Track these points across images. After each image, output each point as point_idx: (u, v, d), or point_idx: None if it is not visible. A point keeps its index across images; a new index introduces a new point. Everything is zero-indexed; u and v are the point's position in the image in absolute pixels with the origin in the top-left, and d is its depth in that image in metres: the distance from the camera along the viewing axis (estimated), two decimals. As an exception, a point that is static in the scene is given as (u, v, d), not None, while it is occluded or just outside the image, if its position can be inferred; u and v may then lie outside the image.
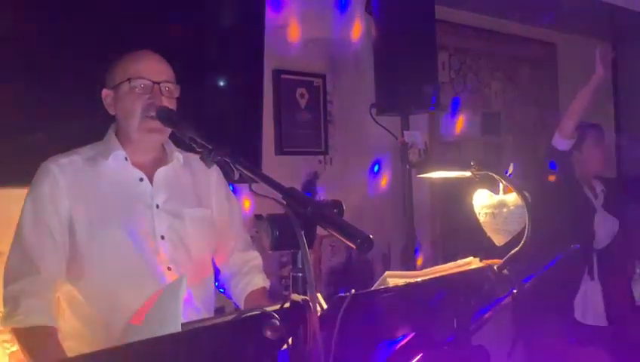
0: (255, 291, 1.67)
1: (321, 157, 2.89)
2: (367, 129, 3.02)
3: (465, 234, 2.55)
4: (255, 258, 1.73)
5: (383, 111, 2.96)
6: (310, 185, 2.86)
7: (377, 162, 3.11)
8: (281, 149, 2.74)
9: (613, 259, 2.68)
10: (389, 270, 3.33)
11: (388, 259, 3.12)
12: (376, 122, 2.99)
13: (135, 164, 1.55)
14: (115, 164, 1.53)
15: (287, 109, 2.76)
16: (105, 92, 1.56)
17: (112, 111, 1.57)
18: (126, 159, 1.54)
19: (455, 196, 2.61)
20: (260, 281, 1.70)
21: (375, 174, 3.12)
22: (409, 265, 3.06)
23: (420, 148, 2.89)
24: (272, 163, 2.66)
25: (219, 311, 1.82)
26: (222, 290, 1.76)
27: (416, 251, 2.96)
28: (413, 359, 1.29)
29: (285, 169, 2.75)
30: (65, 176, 1.48)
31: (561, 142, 2.55)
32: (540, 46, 3.85)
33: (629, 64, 4.30)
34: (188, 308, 1.47)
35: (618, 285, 2.77)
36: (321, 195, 2.90)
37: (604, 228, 2.62)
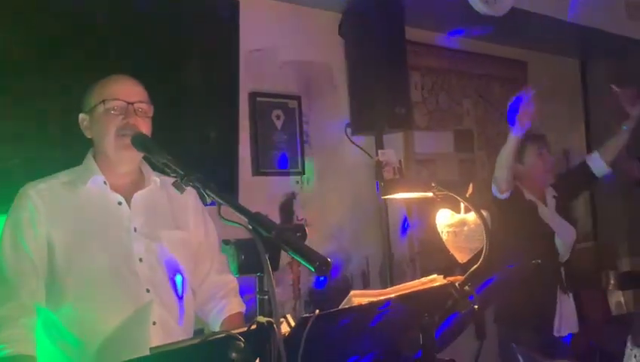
0: (231, 316, 1.70)
1: (298, 178, 2.93)
2: (342, 148, 3.08)
3: (441, 250, 2.59)
4: (231, 281, 1.75)
5: (357, 131, 3.02)
6: (288, 205, 2.89)
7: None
8: (257, 170, 2.78)
9: (581, 269, 2.72)
10: (368, 287, 3.35)
11: (367, 277, 3.15)
12: (352, 141, 3.06)
13: (113, 188, 1.58)
14: (94, 189, 1.56)
15: (264, 131, 2.80)
16: (81, 116, 1.59)
17: (88, 135, 1.60)
18: (105, 183, 1.57)
19: (430, 214, 2.67)
20: (235, 306, 1.72)
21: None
22: (387, 281, 3.09)
23: (395, 167, 2.95)
24: (249, 184, 2.70)
25: (198, 332, 1.83)
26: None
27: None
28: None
29: (263, 190, 2.79)
30: (43, 201, 1.51)
31: (500, 195, 2.52)
32: (510, 64, 3.95)
33: (598, 81, 4.43)
34: (166, 329, 1.49)
35: (589, 295, 2.82)
36: (299, 215, 2.93)
37: (564, 241, 2.65)
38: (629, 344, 1.85)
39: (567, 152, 4.23)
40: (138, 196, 1.59)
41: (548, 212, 2.70)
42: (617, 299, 3.80)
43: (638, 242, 3.39)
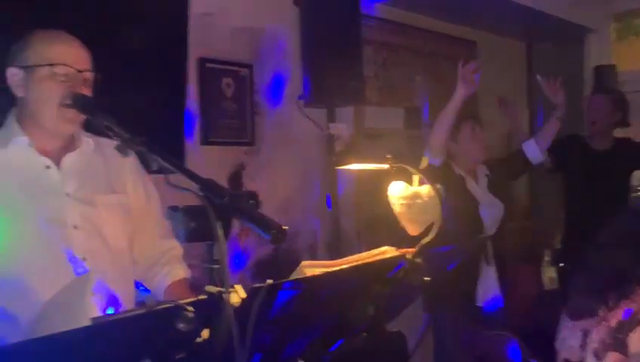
0: (176, 282, 1.63)
1: (247, 148, 2.88)
2: (293, 120, 3.03)
3: (387, 225, 2.62)
4: (174, 247, 1.68)
5: (309, 104, 2.98)
6: (236, 176, 2.83)
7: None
8: (206, 139, 2.70)
9: (516, 246, 2.80)
10: (316, 260, 3.38)
11: (315, 250, 3.16)
12: (303, 114, 3.02)
13: (40, 151, 1.46)
14: (17, 152, 1.44)
15: (213, 99, 2.72)
16: (12, 70, 1.44)
17: (19, 93, 1.46)
18: (30, 145, 1.45)
19: (379, 188, 2.69)
20: (180, 272, 1.65)
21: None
22: (334, 255, 3.11)
23: (346, 141, 2.95)
24: (197, 153, 2.62)
25: (139, 304, 1.78)
26: (141, 288, 1.71)
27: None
28: (332, 346, 1.33)
29: (211, 159, 2.72)
30: None
31: (433, 159, 2.54)
32: (461, 43, 4.00)
33: (542, 64, 4.56)
34: (107, 299, 1.43)
35: (524, 270, 2.92)
36: (248, 186, 2.88)
37: (490, 215, 2.68)
38: (563, 316, 1.95)
39: (509, 135, 4.35)
40: (69, 158, 1.49)
41: (477, 187, 2.72)
42: (550, 274, 3.98)
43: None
